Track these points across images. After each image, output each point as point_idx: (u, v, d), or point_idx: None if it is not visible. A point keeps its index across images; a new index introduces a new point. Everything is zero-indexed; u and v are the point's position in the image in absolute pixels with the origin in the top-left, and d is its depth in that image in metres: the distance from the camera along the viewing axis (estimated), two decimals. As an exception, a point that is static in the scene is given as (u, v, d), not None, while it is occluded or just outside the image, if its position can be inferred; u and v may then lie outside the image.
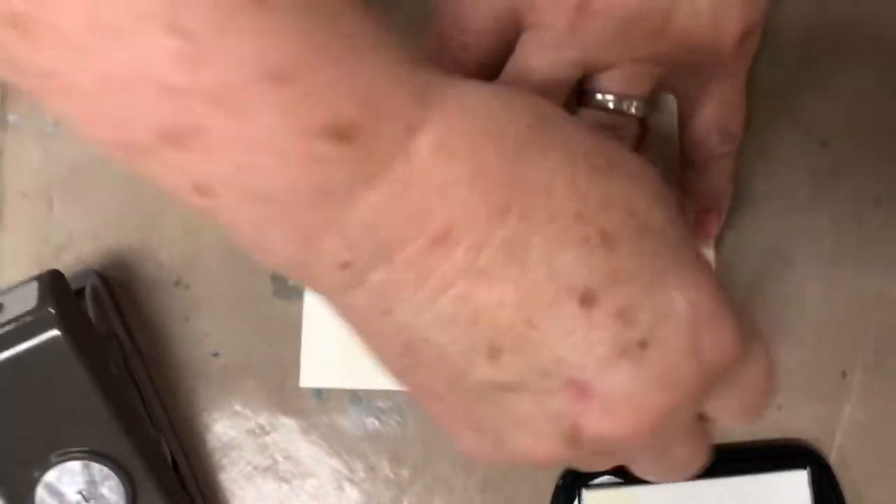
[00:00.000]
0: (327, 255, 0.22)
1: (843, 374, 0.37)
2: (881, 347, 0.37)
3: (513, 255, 0.22)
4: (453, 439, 0.26)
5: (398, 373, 0.26)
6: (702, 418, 0.27)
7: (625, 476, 0.36)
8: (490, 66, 0.32)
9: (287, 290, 0.37)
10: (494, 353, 0.23)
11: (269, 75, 0.20)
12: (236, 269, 0.37)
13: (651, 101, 0.33)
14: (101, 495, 0.33)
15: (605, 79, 0.32)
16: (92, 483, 0.33)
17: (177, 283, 0.37)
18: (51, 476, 0.32)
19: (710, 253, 0.37)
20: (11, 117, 0.37)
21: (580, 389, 0.23)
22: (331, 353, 0.37)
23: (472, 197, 0.22)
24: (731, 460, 0.36)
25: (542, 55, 0.31)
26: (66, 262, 0.37)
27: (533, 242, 0.22)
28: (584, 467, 0.27)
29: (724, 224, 0.37)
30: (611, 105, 0.32)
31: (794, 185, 0.38)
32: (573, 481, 0.36)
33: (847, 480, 0.37)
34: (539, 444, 0.24)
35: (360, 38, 0.21)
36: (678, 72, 0.33)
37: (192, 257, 0.37)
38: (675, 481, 0.31)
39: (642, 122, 0.33)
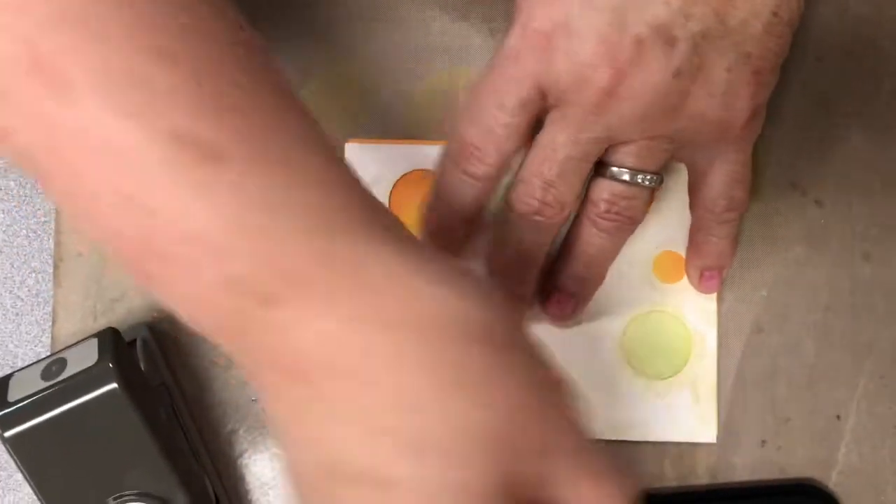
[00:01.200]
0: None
1: (838, 418, 0.40)
2: (872, 393, 0.40)
3: None
4: None
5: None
6: None
7: None
8: (516, 150, 0.35)
9: (320, 341, 0.40)
10: None
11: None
12: (273, 321, 0.40)
13: (662, 173, 0.36)
14: (154, 533, 0.36)
15: (623, 153, 0.35)
16: (146, 523, 0.36)
17: (219, 334, 0.40)
18: (108, 516, 0.36)
19: (712, 306, 0.40)
20: (68, 183, 0.41)
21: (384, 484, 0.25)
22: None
23: None
24: (744, 497, 0.39)
25: (567, 133, 0.34)
26: (119, 315, 0.40)
27: None
28: None
29: (727, 279, 0.40)
30: (626, 178, 0.35)
31: (791, 241, 0.40)
32: None
33: (842, 518, 0.39)
34: None
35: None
36: (690, 146, 0.35)
37: (233, 310, 0.40)
38: None
39: (652, 190, 0.36)
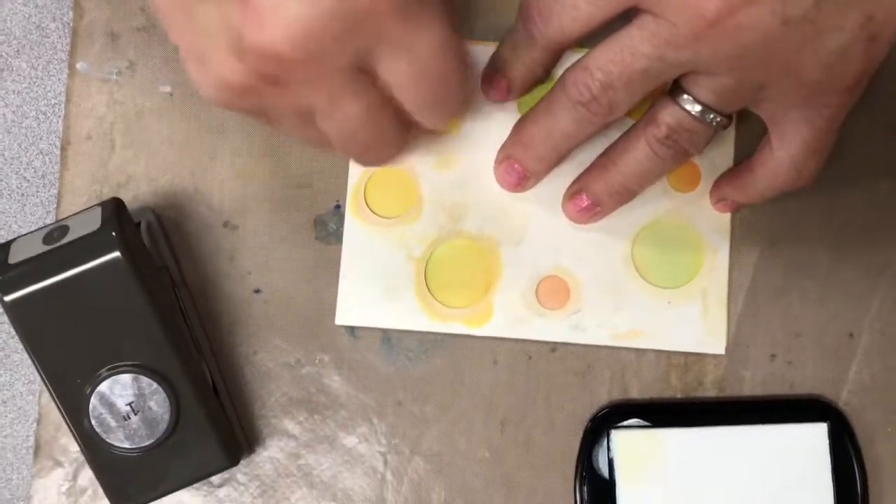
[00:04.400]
0: None
1: (851, 336, 0.39)
2: (886, 313, 0.39)
3: None
4: (190, 75, 0.31)
5: None
6: (373, 80, 0.30)
7: (652, 419, 0.38)
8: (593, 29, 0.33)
9: (327, 234, 0.40)
10: None
11: None
12: (281, 214, 0.40)
13: (732, 119, 0.34)
14: (149, 408, 0.35)
15: (704, 87, 0.33)
16: (141, 396, 0.35)
17: (225, 224, 0.40)
18: (104, 387, 0.35)
19: (726, 216, 0.39)
20: (79, 65, 0.40)
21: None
22: (365, 294, 0.39)
23: None
24: (752, 411, 0.38)
25: (654, 46, 0.31)
26: (125, 200, 0.40)
27: None
28: (275, 118, 0.32)
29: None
30: (697, 112, 0.33)
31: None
32: (602, 423, 0.38)
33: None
34: (222, 58, 0.29)
35: None
36: (777, 101, 0.33)
37: (241, 201, 0.40)
38: (358, 157, 0.34)
39: (716, 131, 0.34)
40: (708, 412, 0.39)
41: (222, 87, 0.30)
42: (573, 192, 0.38)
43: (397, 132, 0.33)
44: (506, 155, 0.38)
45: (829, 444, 0.38)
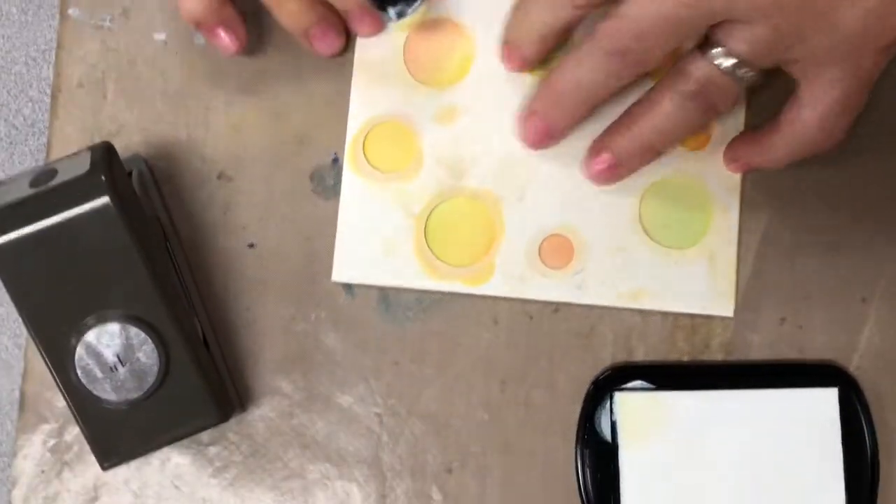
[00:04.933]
0: None
1: (863, 300, 0.38)
2: (902, 275, 0.38)
3: None
4: None
5: None
6: None
7: (657, 382, 0.37)
8: None
9: (325, 189, 0.39)
10: None
11: None
12: (277, 166, 0.39)
13: (762, 78, 0.33)
14: (137, 359, 0.34)
15: (737, 38, 0.31)
16: (129, 346, 0.34)
17: (219, 176, 0.39)
18: (90, 336, 0.34)
19: (736, 175, 0.38)
20: (71, 10, 0.39)
21: None
22: (363, 250, 0.38)
23: None
24: (760, 374, 0.37)
25: None
26: (117, 149, 0.39)
27: None
28: None
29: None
30: (728, 67, 0.32)
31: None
32: (605, 385, 0.37)
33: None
34: None
35: None
36: (810, 56, 0.32)
37: (236, 152, 0.39)
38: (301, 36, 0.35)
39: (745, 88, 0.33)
40: (715, 375, 0.37)
41: None
42: (594, 150, 0.37)
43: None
44: (531, 111, 0.37)
45: (840, 409, 0.37)
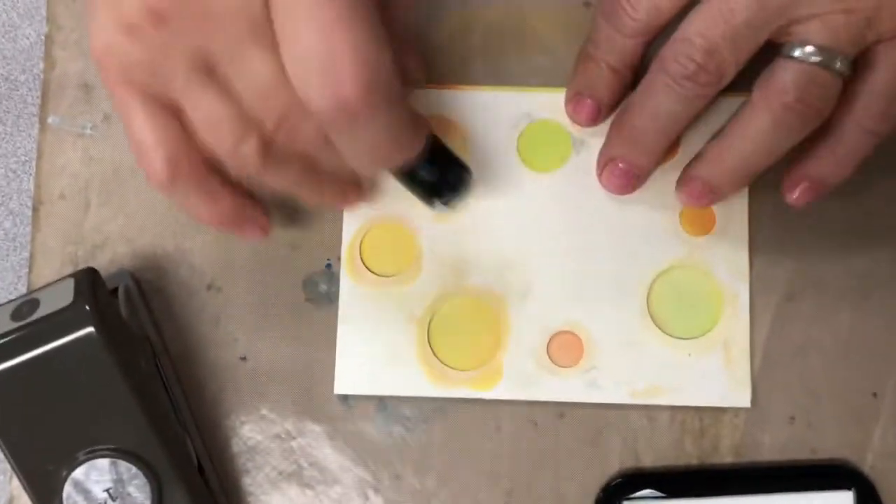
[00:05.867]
0: None
1: (875, 395, 0.37)
2: (913, 369, 0.37)
3: None
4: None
5: None
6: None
7: (666, 490, 0.36)
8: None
9: (318, 297, 0.37)
10: None
11: None
12: (268, 275, 0.37)
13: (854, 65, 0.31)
14: (128, 494, 0.33)
15: (813, 29, 0.30)
16: (119, 482, 0.33)
17: (209, 287, 0.38)
18: (79, 473, 0.33)
19: (744, 261, 0.37)
20: (51, 119, 0.38)
21: None
22: (365, 360, 0.37)
23: None
24: (772, 477, 0.36)
25: None
26: (101, 264, 0.37)
27: None
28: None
29: (757, 241, 0.37)
30: (819, 59, 0.30)
31: (828, 201, 0.37)
32: (614, 494, 0.36)
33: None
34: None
35: None
36: (875, 32, 0.30)
37: (225, 262, 0.38)
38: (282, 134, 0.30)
39: (843, 81, 0.31)
40: (725, 480, 0.36)
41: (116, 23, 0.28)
42: (688, 179, 0.35)
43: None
44: (608, 157, 0.35)
45: (857, 511, 0.36)
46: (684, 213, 0.37)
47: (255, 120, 0.29)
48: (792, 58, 0.31)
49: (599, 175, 0.36)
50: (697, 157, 0.35)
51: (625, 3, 0.33)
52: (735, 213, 0.37)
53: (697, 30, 0.31)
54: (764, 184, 0.36)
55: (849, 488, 0.36)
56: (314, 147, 0.30)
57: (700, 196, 0.35)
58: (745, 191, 0.37)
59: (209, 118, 0.29)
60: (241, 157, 0.29)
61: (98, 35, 0.29)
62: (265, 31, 0.27)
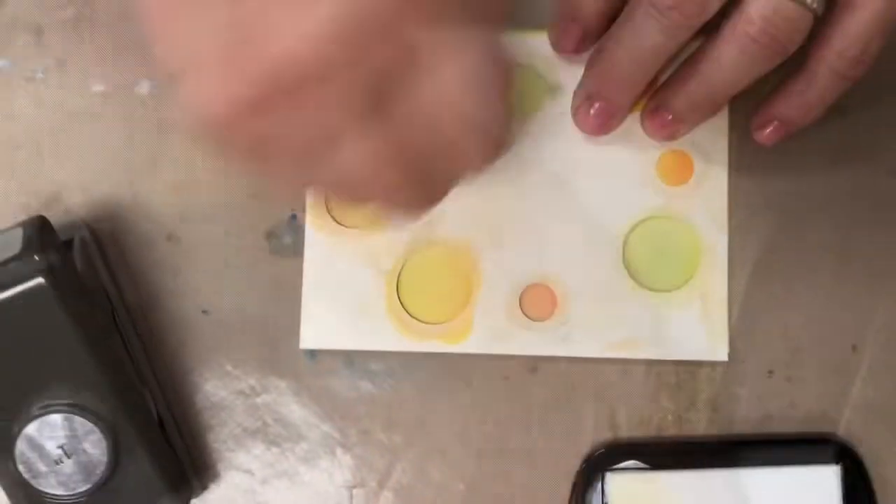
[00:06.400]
0: None
1: (854, 348, 0.36)
2: (893, 322, 0.36)
3: None
4: (187, 91, 0.24)
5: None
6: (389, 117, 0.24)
7: (649, 462, 0.35)
8: None
9: (282, 248, 0.36)
10: None
11: None
12: (230, 225, 0.36)
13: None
14: (83, 450, 0.32)
15: None
16: (74, 437, 0.32)
17: (168, 238, 0.36)
18: (31, 429, 0.31)
19: (723, 210, 0.36)
20: (1, 63, 0.36)
21: None
22: (332, 314, 0.36)
23: None
24: (757, 451, 0.35)
25: None
26: (56, 214, 0.36)
27: None
28: (275, 148, 0.25)
29: (734, 194, 0.36)
30: None
31: (809, 150, 0.36)
32: (596, 465, 0.35)
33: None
34: (227, 66, 0.23)
35: None
36: None
37: (185, 211, 0.36)
38: (357, 198, 0.27)
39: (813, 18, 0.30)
40: (710, 453, 0.35)
41: (226, 100, 0.24)
42: (652, 108, 0.35)
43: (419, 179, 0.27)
44: (585, 95, 0.34)
45: (842, 488, 0.35)
46: (661, 161, 0.36)
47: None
48: None
49: (574, 114, 0.35)
50: (662, 87, 0.34)
51: None
52: (714, 161, 0.36)
53: None
54: (745, 133, 0.35)
55: (836, 463, 0.35)
56: None
57: (665, 125, 0.34)
58: (724, 139, 0.36)
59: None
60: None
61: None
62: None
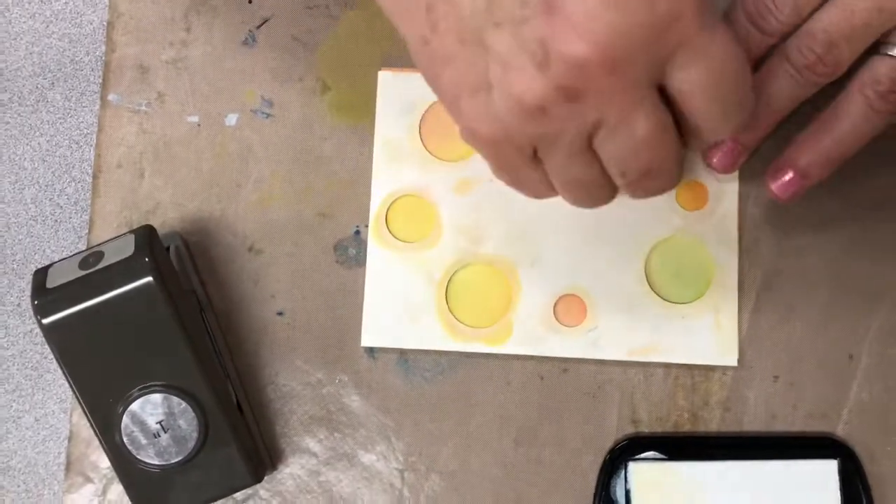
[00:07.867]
0: None
1: (850, 358, 0.41)
2: (885, 335, 0.41)
3: None
4: (456, 117, 0.31)
5: (421, 41, 0.31)
6: (666, 96, 0.30)
7: (667, 453, 0.40)
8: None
9: (347, 259, 0.41)
10: None
11: None
12: (303, 239, 0.41)
13: None
14: (178, 426, 0.37)
15: None
16: (171, 414, 0.37)
17: (250, 249, 0.42)
18: (135, 406, 0.37)
19: (733, 235, 0.41)
20: (111, 96, 0.42)
21: (548, 8, 0.28)
22: (388, 316, 0.41)
23: None
24: (765, 446, 0.40)
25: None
26: (153, 226, 0.41)
27: None
28: (550, 146, 0.31)
29: (746, 217, 0.41)
30: None
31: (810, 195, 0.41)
32: (620, 454, 0.40)
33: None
34: (518, 78, 0.29)
35: None
36: None
37: (265, 227, 0.42)
38: (638, 183, 0.33)
39: None
40: (721, 446, 0.40)
41: (513, 110, 0.30)
42: (776, 168, 0.37)
43: (678, 156, 0.32)
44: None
45: (840, 480, 0.39)
46: (680, 190, 0.41)
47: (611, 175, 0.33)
48: (889, 56, 0.34)
49: (710, 159, 0.38)
50: (790, 148, 0.37)
51: (770, 3, 0.35)
52: (726, 191, 0.41)
53: (821, 26, 0.34)
54: (750, 169, 0.40)
55: (834, 458, 0.39)
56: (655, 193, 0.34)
57: (790, 184, 0.37)
58: (736, 173, 0.41)
59: (572, 180, 0.33)
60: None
61: (490, 122, 0.31)
62: (653, 92, 0.30)
